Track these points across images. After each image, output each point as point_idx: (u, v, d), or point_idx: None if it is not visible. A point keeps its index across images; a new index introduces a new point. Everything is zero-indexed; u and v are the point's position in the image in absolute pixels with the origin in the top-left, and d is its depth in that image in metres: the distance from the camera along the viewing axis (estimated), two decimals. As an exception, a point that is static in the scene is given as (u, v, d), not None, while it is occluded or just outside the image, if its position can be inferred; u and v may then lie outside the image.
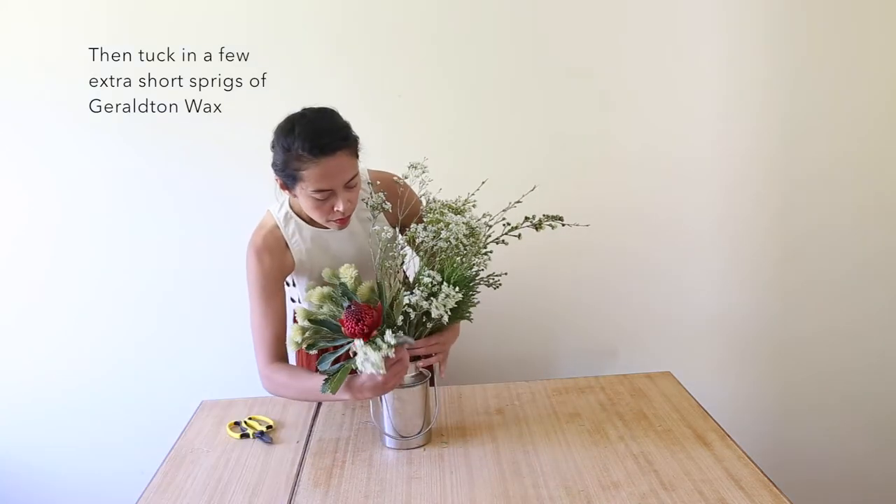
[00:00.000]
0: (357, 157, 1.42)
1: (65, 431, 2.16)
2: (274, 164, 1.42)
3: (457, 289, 1.31)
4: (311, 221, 1.52)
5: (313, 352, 1.36)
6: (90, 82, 1.95)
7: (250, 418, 1.57)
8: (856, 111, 2.07)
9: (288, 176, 1.39)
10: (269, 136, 1.85)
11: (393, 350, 1.27)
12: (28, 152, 2.00)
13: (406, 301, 1.31)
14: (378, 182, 1.51)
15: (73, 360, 2.11)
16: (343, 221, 1.44)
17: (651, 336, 2.19)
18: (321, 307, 1.35)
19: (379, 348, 1.25)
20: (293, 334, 1.33)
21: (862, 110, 2.08)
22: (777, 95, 2.05)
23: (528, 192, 1.44)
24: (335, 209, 1.40)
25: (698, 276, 2.17)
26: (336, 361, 1.35)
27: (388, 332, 1.27)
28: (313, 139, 1.35)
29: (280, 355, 1.49)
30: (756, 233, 2.14)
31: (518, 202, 1.42)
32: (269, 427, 1.53)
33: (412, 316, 1.33)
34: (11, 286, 2.07)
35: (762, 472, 1.29)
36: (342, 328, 1.29)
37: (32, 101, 1.96)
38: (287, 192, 1.45)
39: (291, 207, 1.54)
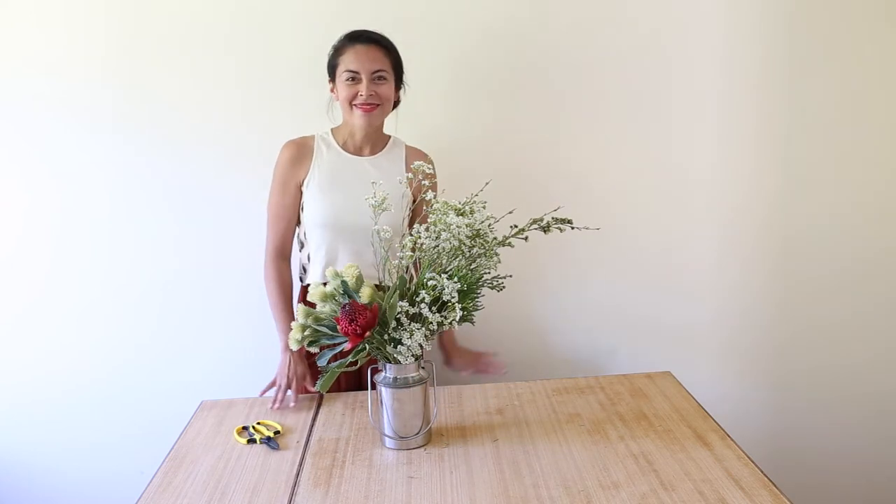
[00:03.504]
0: (392, 63, 1.70)
1: (65, 431, 2.16)
2: (327, 67, 1.72)
3: (455, 279, 1.31)
4: (343, 146, 1.76)
5: (314, 349, 1.36)
6: (91, 82, 1.95)
7: (258, 423, 1.57)
8: (855, 113, 2.08)
9: (331, 66, 1.71)
10: (269, 136, 1.87)
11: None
12: (28, 152, 2.00)
13: (421, 297, 1.31)
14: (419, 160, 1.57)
15: (73, 360, 2.11)
16: (365, 108, 1.67)
17: (651, 336, 2.19)
18: (325, 305, 1.36)
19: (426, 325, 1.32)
20: (293, 332, 1.34)
21: (861, 110, 2.08)
22: (777, 96, 2.06)
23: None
24: (359, 94, 1.65)
25: (698, 276, 2.17)
26: (335, 357, 1.35)
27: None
28: (354, 32, 1.70)
29: (282, 252, 1.79)
30: (756, 233, 2.15)
31: (537, 224, 1.41)
32: (276, 433, 1.52)
33: (430, 320, 1.33)
34: (11, 286, 2.07)
35: (762, 471, 1.29)
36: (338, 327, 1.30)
37: (32, 101, 1.96)
38: (333, 94, 1.73)
39: (332, 132, 1.79)
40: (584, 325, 2.18)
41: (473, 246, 1.36)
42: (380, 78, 1.67)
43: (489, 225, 1.39)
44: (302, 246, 1.81)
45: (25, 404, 2.14)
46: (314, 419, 1.59)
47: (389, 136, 1.82)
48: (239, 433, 1.53)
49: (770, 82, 2.05)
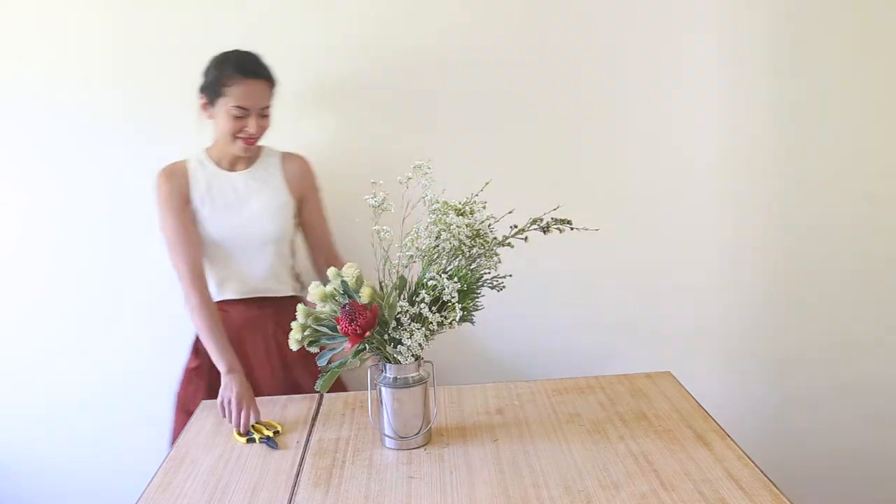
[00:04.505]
0: (273, 96, 1.71)
1: (65, 431, 2.15)
2: (202, 87, 1.69)
3: (455, 279, 1.31)
4: (218, 163, 1.77)
5: (314, 349, 1.36)
6: (90, 83, 1.95)
7: (258, 423, 1.57)
8: (860, 111, 2.08)
9: (214, 92, 1.65)
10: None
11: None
12: (28, 152, 2.00)
13: (421, 297, 1.31)
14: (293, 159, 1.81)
15: (73, 360, 2.11)
16: (250, 141, 1.69)
17: (651, 336, 2.19)
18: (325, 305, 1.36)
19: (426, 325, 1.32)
20: (293, 331, 1.34)
21: (866, 108, 2.08)
22: (780, 94, 2.06)
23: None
24: (246, 129, 1.66)
25: (698, 275, 2.17)
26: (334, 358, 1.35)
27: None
28: (244, 63, 1.66)
29: (199, 275, 1.72)
30: (757, 232, 2.14)
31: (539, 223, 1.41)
32: (276, 432, 1.52)
33: (431, 320, 1.33)
34: (11, 286, 2.07)
35: (762, 471, 1.29)
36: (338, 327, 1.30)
37: (32, 101, 1.96)
38: (206, 112, 1.70)
39: (205, 152, 1.78)
40: (585, 324, 2.18)
41: (473, 246, 1.35)
42: (266, 110, 1.70)
43: (489, 225, 1.39)
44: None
45: (25, 404, 2.14)
46: (314, 419, 1.59)
47: (262, 147, 1.82)
48: (239, 433, 1.53)
49: (773, 80, 2.04)
